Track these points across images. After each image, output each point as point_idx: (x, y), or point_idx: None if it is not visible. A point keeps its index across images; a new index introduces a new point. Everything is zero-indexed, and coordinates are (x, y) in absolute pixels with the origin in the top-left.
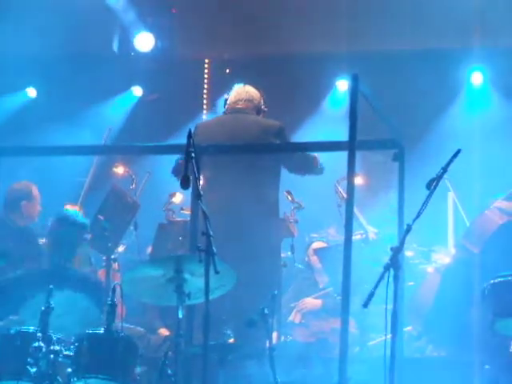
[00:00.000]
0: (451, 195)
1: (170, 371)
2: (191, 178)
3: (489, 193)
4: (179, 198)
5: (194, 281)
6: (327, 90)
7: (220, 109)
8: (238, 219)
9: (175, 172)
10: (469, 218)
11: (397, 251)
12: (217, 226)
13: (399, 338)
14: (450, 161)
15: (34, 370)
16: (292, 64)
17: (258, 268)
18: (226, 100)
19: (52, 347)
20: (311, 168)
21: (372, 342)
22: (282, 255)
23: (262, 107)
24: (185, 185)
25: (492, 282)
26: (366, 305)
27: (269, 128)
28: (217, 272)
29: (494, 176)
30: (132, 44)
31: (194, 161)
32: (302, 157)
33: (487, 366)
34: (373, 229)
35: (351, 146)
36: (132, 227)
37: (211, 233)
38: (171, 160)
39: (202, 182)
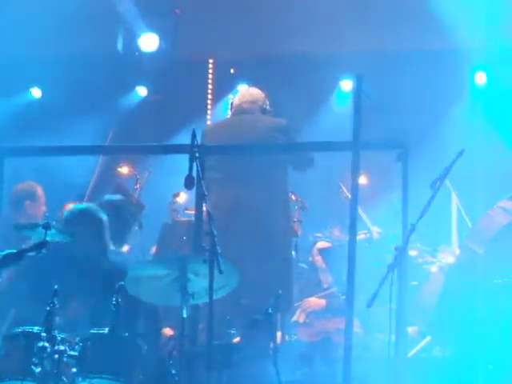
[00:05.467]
0: (454, 195)
1: (173, 371)
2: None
3: (492, 193)
4: (183, 197)
5: (198, 281)
6: (331, 90)
7: (223, 110)
8: (249, 218)
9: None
10: (471, 218)
11: (401, 251)
12: (228, 226)
13: (403, 338)
14: (454, 161)
15: (38, 369)
16: (295, 64)
17: (270, 266)
18: (232, 103)
19: (57, 347)
20: (310, 165)
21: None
22: None
23: (267, 108)
24: (189, 185)
25: (496, 281)
26: (370, 304)
27: (274, 126)
28: (221, 272)
29: (497, 176)
30: (136, 44)
31: (198, 161)
32: (304, 156)
33: (491, 366)
34: (377, 228)
35: (355, 146)
36: (136, 227)
37: (215, 233)
38: (175, 160)
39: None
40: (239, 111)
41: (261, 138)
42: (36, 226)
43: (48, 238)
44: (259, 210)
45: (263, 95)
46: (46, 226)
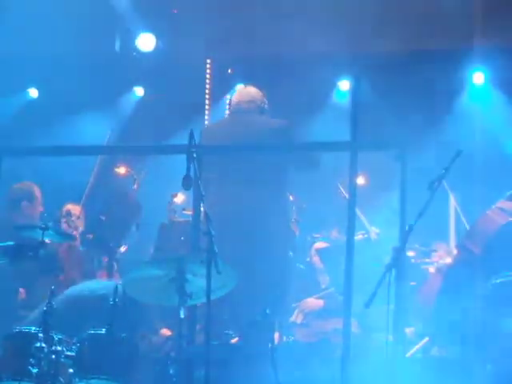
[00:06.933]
0: (451, 196)
1: (171, 371)
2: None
3: (489, 193)
4: (181, 198)
5: (196, 281)
6: (329, 90)
7: (221, 110)
8: (246, 220)
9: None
10: (468, 219)
11: (399, 251)
12: (225, 227)
13: (401, 338)
14: (452, 161)
15: (35, 370)
16: (293, 64)
17: (267, 267)
18: (230, 102)
19: (54, 348)
20: (316, 167)
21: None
22: None
23: (265, 107)
24: (187, 185)
25: (494, 282)
26: (368, 305)
27: (273, 128)
28: (219, 272)
29: (495, 176)
30: (134, 44)
31: (195, 161)
32: (308, 156)
33: (489, 366)
34: (375, 229)
35: (353, 146)
36: (134, 227)
37: (213, 233)
38: (173, 160)
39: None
40: (237, 110)
41: (259, 139)
42: (34, 227)
43: (46, 239)
44: (256, 211)
45: (261, 94)
46: (44, 228)
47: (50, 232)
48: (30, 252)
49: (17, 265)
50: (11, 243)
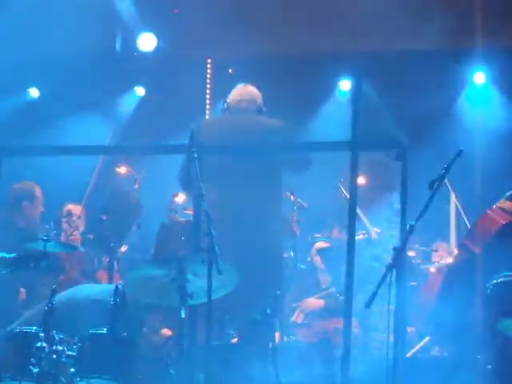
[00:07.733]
0: (453, 195)
1: (172, 371)
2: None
3: (491, 193)
4: (182, 197)
5: (197, 281)
6: (330, 90)
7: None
8: (239, 219)
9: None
10: (470, 218)
11: (399, 251)
12: (219, 227)
13: (402, 338)
14: (453, 161)
15: (36, 370)
16: (293, 64)
17: (259, 268)
18: (227, 99)
19: (55, 347)
20: (307, 166)
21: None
22: (285, 255)
23: (263, 107)
24: (186, 185)
25: (494, 282)
26: (368, 305)
27: (273, 128)
28: (219, 272)
29: (496, 176)
30: (135, 44)
31: (196, 161)
32: (302, 157)
33: (489, 366)
34: (375, 229)
35: (353, 146)
36: (135, 227)
37: (214, 233)
38: (174, 160)
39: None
40: (237, 109)
41: (258, 139)
42: (36, 238)
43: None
44: (248, 211)
45: (259, 93)
46: (46, 240)
47: (52, 243)
48: (32, 263)
49: (18, 274)
50: (13, 255)
